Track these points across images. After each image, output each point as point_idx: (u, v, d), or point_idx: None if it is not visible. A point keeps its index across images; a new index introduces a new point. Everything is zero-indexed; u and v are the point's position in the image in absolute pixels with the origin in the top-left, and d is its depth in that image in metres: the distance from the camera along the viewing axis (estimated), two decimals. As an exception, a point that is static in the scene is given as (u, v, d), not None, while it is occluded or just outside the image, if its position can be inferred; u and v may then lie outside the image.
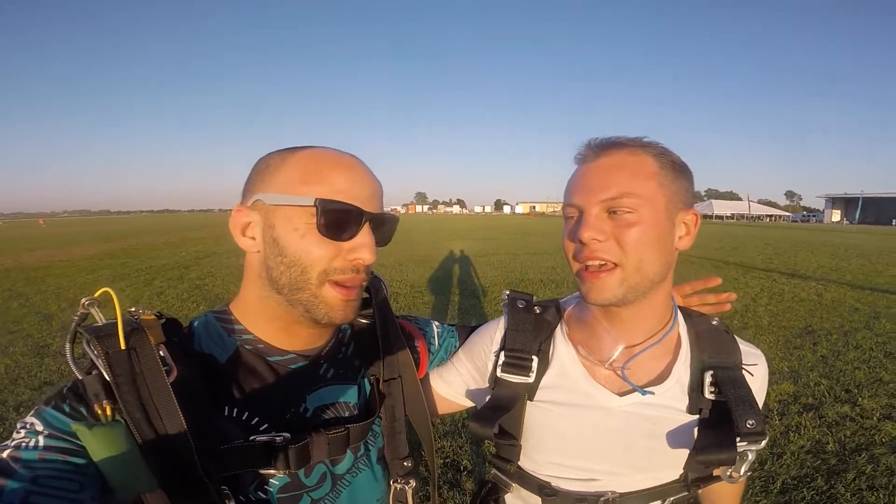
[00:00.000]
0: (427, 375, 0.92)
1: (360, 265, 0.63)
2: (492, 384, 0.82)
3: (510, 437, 0.79)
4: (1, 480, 0.46)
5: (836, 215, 72.14)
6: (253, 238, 0.63)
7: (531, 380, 0.78)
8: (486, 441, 2.89)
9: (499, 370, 0.79)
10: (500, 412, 0.76)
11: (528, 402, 0.79)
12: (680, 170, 0.71)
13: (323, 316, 0.63)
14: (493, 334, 0.86)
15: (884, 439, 2.89)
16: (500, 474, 0.85)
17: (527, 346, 0.80)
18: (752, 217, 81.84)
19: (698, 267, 10.48)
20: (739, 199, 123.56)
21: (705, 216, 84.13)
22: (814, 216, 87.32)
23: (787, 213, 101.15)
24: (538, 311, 0.83)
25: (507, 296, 0.86)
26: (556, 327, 0.83)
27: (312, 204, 0.60)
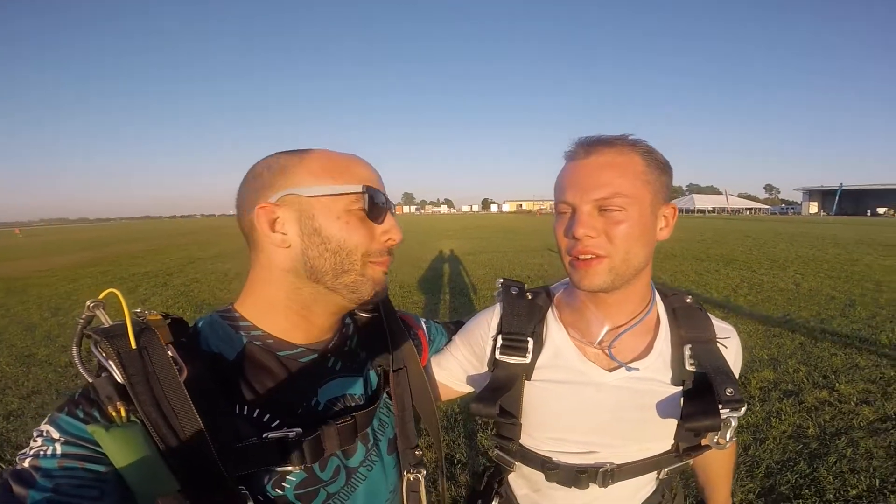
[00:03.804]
0: (427, 364, 0.94)
1: (391, 245, 0.69)
2: (491, 367, 0.86)
3: (510, 416, 0.83)
4: (23, 491, 0.46)
5: (814, 207, 73.75)
6: (284, 233, 0.63)
7: (528, 360, 0.82)
8: (479, 434, 2.93)
9: (497, 353, 0.83)
10: (500, 392, 0.80)
11: (526, 381, 0.83)
12: (663, 167, 0.76)
13: (369, 293, 0.68)
14: (489, 320, 0.89)
15: (862, 423, 2.97)
16: (502, 454, 0.89)
17: (522, 328, 0.84)
18: (732, 210, 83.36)
19: (681, 260, 10.65)
20: (720, 193, 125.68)
21: (687, 210, 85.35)
22: (792, 209, 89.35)
23: (767, 206, 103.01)
24: (530, 297, 0.88)
25: (501, 284, 0.91)
26: (547, 311, 0.87)
27: (361, 190, 0.64)
